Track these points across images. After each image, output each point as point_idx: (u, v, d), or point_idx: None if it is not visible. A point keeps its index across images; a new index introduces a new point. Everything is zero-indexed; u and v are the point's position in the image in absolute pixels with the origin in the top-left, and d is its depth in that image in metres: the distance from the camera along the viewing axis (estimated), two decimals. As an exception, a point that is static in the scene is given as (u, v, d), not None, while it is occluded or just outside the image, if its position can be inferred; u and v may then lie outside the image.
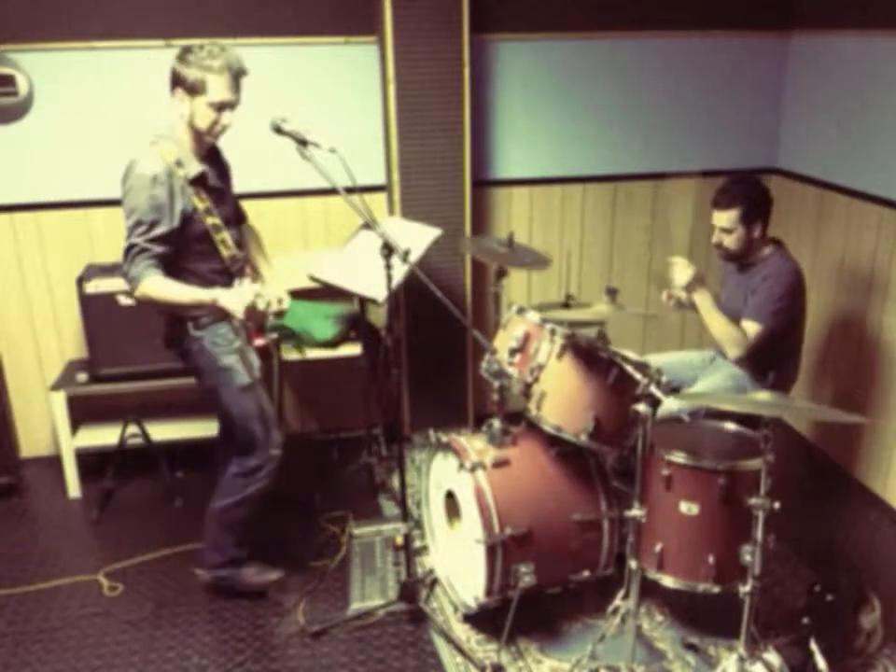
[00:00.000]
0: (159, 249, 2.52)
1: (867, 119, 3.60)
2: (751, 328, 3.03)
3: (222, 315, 2.60)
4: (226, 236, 2.66)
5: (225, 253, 2.67)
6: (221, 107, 2.54)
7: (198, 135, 2.60)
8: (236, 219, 2.87)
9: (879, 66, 3.50)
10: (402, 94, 3.62)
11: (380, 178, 3.93)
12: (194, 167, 2.60)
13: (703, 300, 3.08)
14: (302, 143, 2.57)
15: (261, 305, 2.48)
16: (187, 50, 2.52)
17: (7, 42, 3.50)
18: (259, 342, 2.80)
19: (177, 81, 2.53)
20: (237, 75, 2.54)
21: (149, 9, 3.56)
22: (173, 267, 2.59)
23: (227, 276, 2.71)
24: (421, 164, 3.73)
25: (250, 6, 3.63)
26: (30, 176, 3.68)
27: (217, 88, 2.51)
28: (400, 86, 3.60)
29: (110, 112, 3.66)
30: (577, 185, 4.15)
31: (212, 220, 2.62)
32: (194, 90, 2.51)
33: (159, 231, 2.51)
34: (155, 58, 3.58)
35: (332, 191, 2.58)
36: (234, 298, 2.47)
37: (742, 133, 4.21)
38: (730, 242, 3.09)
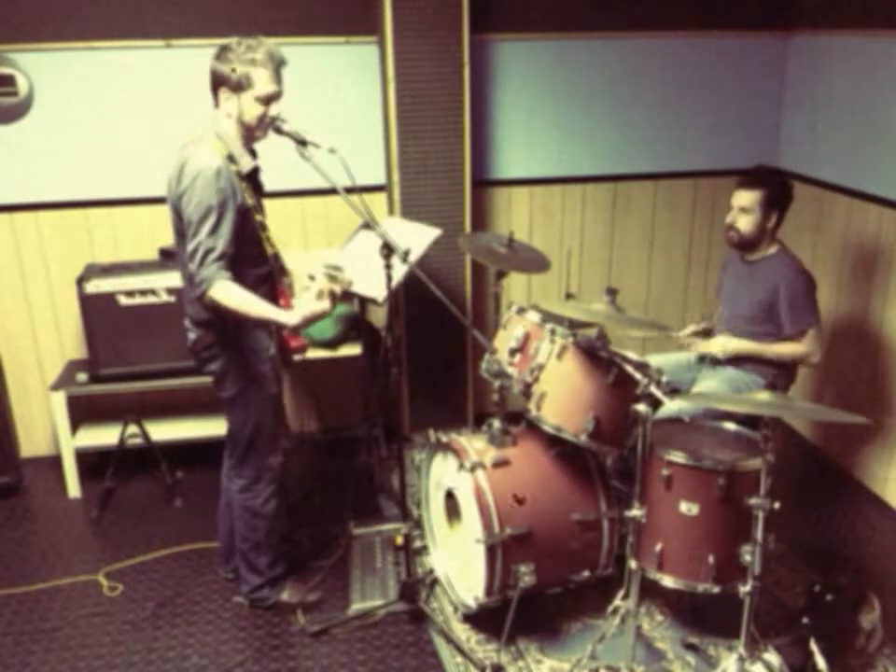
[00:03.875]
0: (226, 247, 2.46)
1: (867, 118, 3.60)
2: (809, 334, 3.07)
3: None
4: (270, 234, 2.64)
5: (270, 251, 2.64)
6: (269, 100, 2.52)
7: (247, 131, 2.57)
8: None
9: (879, 66, 3.50)
10: (402, 94, 3.62)
11: (380, 178, 3.93)
12: (247, 162, 2.57)
13: (748, 348, 3.11)
14: (302, 143, 2.57)
15: (343, 283, 2.50)
16: (225, 49, 2.48)
17: (7, 42, 3.50)
18: (295, 343, 2.78)
19: (221, 81, 2.50)
20: (279, 65, 2.52)
21: (149, 9, 3.56)
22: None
23: (269, 281, 2.69)
24: (421, 164, 3.73)
25: (250, 6, 3.63)
26: (30, 176, 3.69)
27: (263, 81, 2.48)
28: (400, 86, 3.61)
29: (110, 112, 3.66)
30: (577, 185, 4.15)
31: (259, 218, 2.60)
32: (240, 86, 2.48)
33: (226, 225, 2.45)
34: (155, 58, 3.60)
35: (332, 191, 2.58)
36: (298, 319, 2.44)
37: (742, 133, 4.21)
38: (744, 224, 3.10)
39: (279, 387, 2.76)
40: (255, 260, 2.64)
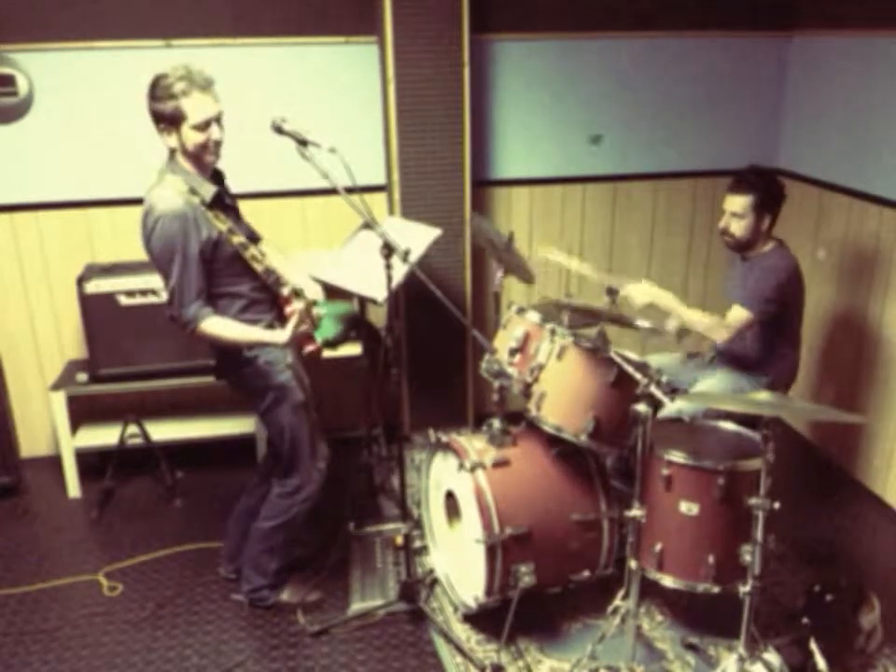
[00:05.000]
0: (200, 285, 2.52)
1: (867, 119, 3.60)
2: (739, 312, 3.01)
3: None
4: (254, 252, 2.65)
5: (259, 268, 2.64)
6: (206, 125, 2.50)
7: (196, 160, 2.56)
8: (254, 238, 2.84)
9: (879, 66, 3.50)
10: (402, 94, 3.62)
11: (380, 178, 3.93)
12: (207, 189, 2.56)
13: (666, 302, 3.02)
14: (302, 143, 2.57)
15: (318, 309, 2.61)
16: (153, 86, 2.48)
17: (7, 42, 3.50)
18: (310, 347, 2.79)
19: (157, 118, 2.50)
20: (205, 87, 2.49)
21: (149, 9, 3.56)
22: (216, 294, 2.60)
23: (268, 291, 2.70)
24: (421, 164, 3.73)
25: (250, 6, 3.63)
26: (30, 176, 3.69)
27: (194, 109, 2.46)
28: (400, 86, 3.60)
29: (110, 112, 3.66)
30: (577, 185, 4.15)
31: (238, 239, 2.60)
32: (174, 120, 2.47)
33: (194, 264, 2.50)
34: (155, 58, 3.60)
35: (332, 191, 2.58)
36: (287, 336, 2.50)
37: (742, 133, 4.21)
38: (738, 228, 3.09)
39: (305, 393, 2.77)
40: (241, 279, 2.65)
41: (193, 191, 2.53)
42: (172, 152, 2.57)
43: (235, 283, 2.64)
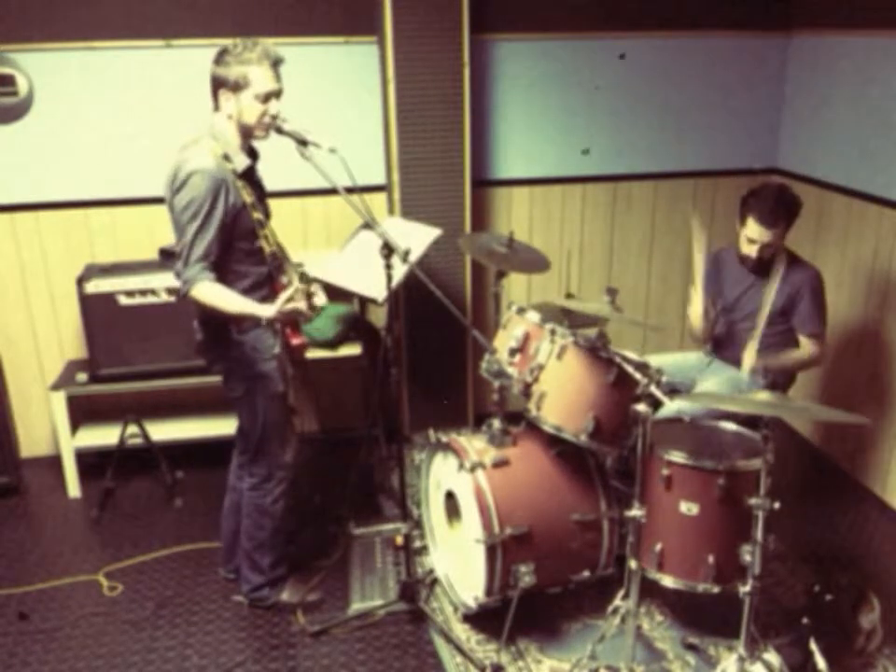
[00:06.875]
0: (211, 248, 2.50)
1: (867, 118, 3.60)
2: (817, 336, 3.11)
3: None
4: (268, 232, 2.66)
5: (267, 249, 2.65)
6: (267, 97, 2.53)
7: (246, 132, 2.58)
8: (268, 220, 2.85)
9: (879, 66, 3.50)
10: (402, 94, 3.62)
11: (380, 178, 3.93)
12: (242, 160, 2.58)
13: (770, 365, 3.13)
14: (302, 143, 2.57)
15: (318, 301, 2.67)
16: (222, 53, 2.51)
17: (6, 42, 3.50)
18: (296, 340, 2.79)
19: (220, 83, 2.52)
20: (275, 63, 2.54)
21: (149, 9, 3.56)
22: (220, 267, 2.57)
23: (268, 277, 2.70)
24: (421, 164, 3.73)
25: (250, 5, 3.63)
26: (30, 176, 3.69)
27: (261, 79, 2.50)
28: (400, 86, 3.61)
29: (110, 112, 3.66)
30: (577, 185, 4.15)
31: (257, 216, 2.61)
32: (238, 86, 2.50)
33: (212, 227, 2.49)
34: (155, 58, 3.61)
35: (332, 191, 2.58)
36: (274, 311, 2.47)
37: (742, 133, 4.21)
38: (767, 254, 3.09)
39: (286, 385, 2.77)
40: (251, 258, 2.65)
41: (227, 158, 2.54)
42: (217, 119, 2.57)
43: (241, 260, 2.63)
